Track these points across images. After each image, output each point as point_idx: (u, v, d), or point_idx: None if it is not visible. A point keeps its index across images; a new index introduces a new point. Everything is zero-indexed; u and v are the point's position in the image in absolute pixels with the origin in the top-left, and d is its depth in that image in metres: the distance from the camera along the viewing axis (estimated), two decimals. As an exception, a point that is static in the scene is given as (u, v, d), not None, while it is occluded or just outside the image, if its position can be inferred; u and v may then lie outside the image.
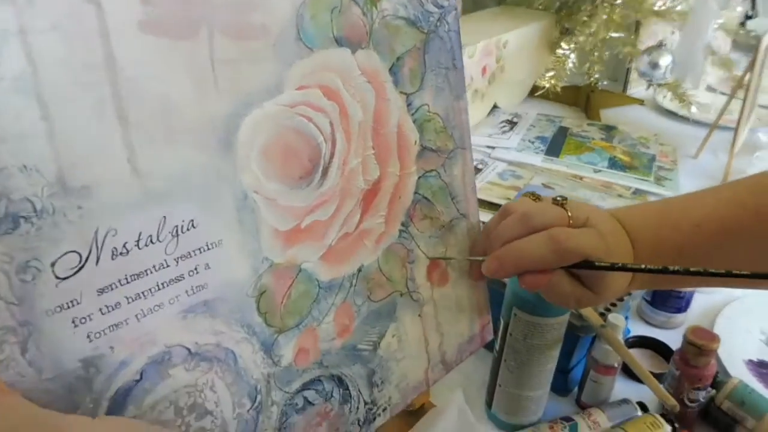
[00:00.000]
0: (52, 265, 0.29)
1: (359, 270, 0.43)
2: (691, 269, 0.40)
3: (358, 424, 0.46)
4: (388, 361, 0.47)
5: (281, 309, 0.39)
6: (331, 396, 0.43)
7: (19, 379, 0.28)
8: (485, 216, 0.95)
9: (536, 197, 0.49)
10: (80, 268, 0.30)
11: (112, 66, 0.29)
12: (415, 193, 0.46)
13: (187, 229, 0.33)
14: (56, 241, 0.29)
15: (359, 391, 0.45)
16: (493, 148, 1.19)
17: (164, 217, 0.32)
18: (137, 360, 0.32)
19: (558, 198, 0.46)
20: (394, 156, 0.44)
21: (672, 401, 0.51)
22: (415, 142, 0.45)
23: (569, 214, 0.45)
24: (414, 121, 0.44)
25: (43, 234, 0.28)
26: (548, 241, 0.43)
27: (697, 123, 1.36)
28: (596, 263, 0.43)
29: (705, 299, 0.85)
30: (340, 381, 0.44)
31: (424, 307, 0.49)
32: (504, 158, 1.15)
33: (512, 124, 1.29)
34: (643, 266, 0.42)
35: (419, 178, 0.46)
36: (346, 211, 0.41)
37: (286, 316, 0.39)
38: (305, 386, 0.41)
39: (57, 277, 0.29)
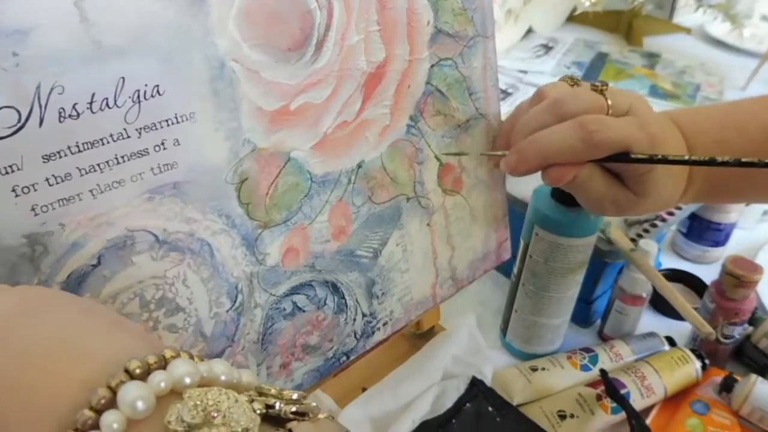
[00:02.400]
0: (-16, 120, 0.25)
1: (359, 166, 0.38)
2: (743, 160, 0.34)
3: (355, 337, 0.42)
4: (390, 271, 0.42)
5: (266, 201, 0.34)
6: (325, 303, 0.39)
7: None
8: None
9: (575, 82, 0.42)
10: (19, 128, 0.25)
11: None
12: (427, 83, 0.40)
13: (152, 96, 0.29)
14: (-13, 92, 0.24)
15: (357, 301, 0.41)
16: (526, 72, 1.11)
17: (122, 78, 0.28)
18: (93, 242, 0.28)
19: (597, 83, 0.39)
20: (402, 36, 0.38)
21: (708, 328, 0.46)
22: (428, 22, 0.39)
23: (609, 102, 0.38)
24: (427, -2, 0.39)
25: (-31, 81, 0.24)
26: (578, 129, 0.37)
27: (748, 53, 1.26)
28: (632, 155, 0.37)
29: (745, 235, 0.79)
30: (335, 288, 0.39)
31: (433, 216, 0.44)
32: (537, 83, 1.07)
33: (547, 48, 1.20)
34: (687, 157, 0.36)
35: (432, 66, 0.40)
36: (344, 95, 0.36)
37: (272, 210, 0.35)
38: (294, 290, 0.37)
39: (-9, 136, 0.25)
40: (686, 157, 0.36)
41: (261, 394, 0.19)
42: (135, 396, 0.16)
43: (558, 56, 1.17)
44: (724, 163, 0.34)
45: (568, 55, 1.18)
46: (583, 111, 0.38)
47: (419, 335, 0.58)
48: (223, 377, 0.18)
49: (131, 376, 0.17)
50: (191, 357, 0.18)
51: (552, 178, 0.38)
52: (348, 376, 0.53)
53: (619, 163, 0.38)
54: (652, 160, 0.36)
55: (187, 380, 0.17)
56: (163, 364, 0.18)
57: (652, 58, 1.20)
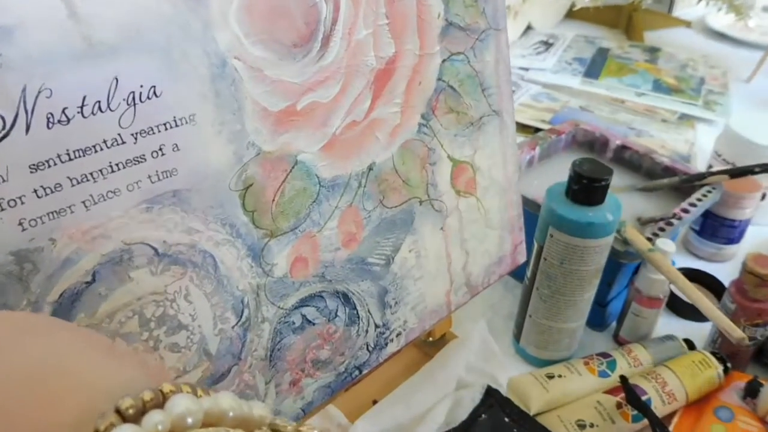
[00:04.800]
0: (-36, 127, 0.22)
1: (370, 168, 0.36)
2: None
3: (368, 350, 0.39)
4: (403, 279, 0.40)
5: (273, 208, 0.32)
6: (335, 315, 0.37)
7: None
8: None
9: None
10: (4, 136, 0.23)
11: None
12: (439, 79, 0.38)
13: (148, 98, 0.26)
14: (-33, 96, 0.22)
15: (369, 311, 0.39)
16: (527, 69, 1.09)
17: (115, 78, 0.25)
18: (87, 258, 0.26)
19: None
20: (412, 30, 0.36)
21: (739, 333, 0.43)
22: (439, 15, 0.37)
23: None
24: (438, -11, 0.36)
25: (-53, 84, 0.22)
26: None
27: (750, 45, 1.24)
28: None
29: (760, 231, 0.76)
30: (346, 298, 0.37)
31: (447, 219, 0.42)
32: (539, 80, 1.05)
33: (548, 45, 1.18)
34: None
35: (444, 61, 0.38)
36: (353, 93, 0.34)
37: (278, 217, 0.32)
38: (303, 302, 0.35)
39: (-29, 145, 0.23)
40: None
41: (275, 431, 0.17)
42: (126, 442, 0.14)
43: (559, 53, 1.15)
44: None
45: (569, 52, 1.16)
46: None
47: (431, 343, 0.56)
48: (231, 413, 0.16)
49: (123, 416, 0.14)
50: (193, 390, 0.16)
51: None
52: (358, 389, 0.51)
53: None
54: None
55: (189, 420, 0.15)
56: (160, 400, 0.15)
57: (654, 52, 1.18)
